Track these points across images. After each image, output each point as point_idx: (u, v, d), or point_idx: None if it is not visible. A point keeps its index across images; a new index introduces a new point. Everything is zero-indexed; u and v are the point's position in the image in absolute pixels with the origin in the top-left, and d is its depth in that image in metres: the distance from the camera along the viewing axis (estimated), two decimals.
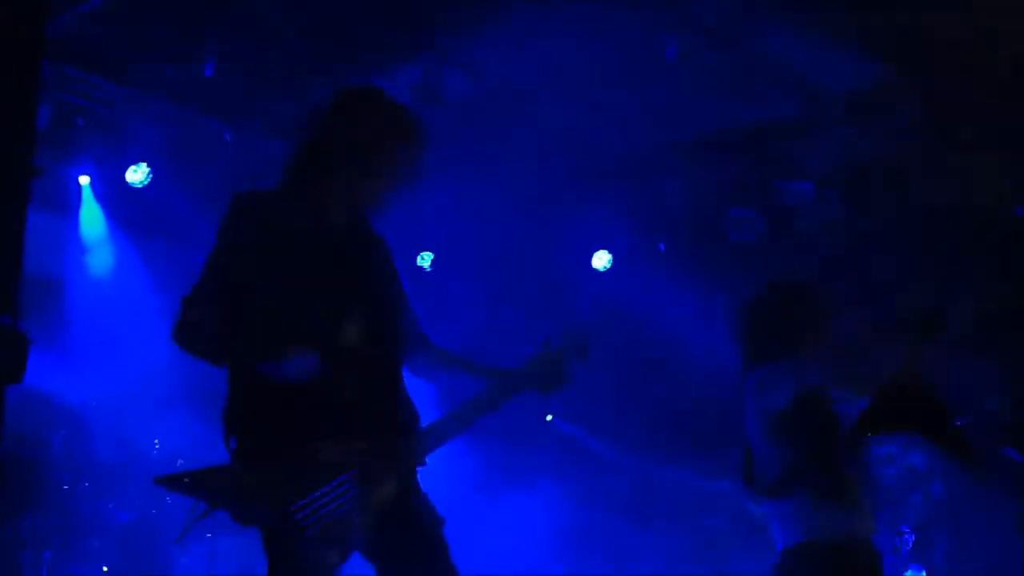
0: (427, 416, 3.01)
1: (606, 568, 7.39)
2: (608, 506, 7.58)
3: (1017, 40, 5.82)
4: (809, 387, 3.51)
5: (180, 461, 7.01)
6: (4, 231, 4.15)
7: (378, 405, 2.89)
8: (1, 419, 3.76)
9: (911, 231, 7.09)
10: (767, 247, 7.68)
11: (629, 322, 7.73)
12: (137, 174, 7.10)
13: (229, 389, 2.86)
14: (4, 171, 4.15)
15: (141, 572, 6.87)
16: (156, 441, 7.22)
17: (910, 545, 6.70)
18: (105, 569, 6.80)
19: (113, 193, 7.32)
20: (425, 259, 8.43)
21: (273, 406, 2.76)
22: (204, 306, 2.87)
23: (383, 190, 3.02)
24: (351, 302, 2.91)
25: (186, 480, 2.76)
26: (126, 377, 7.10)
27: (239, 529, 7.07)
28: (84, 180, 7.24)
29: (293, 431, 2.75)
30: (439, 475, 3.06)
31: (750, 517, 7.85)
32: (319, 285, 2.88)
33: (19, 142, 4.34)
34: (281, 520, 2.68)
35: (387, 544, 2.84)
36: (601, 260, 8.30)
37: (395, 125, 3.00)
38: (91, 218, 7.39)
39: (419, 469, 2.95)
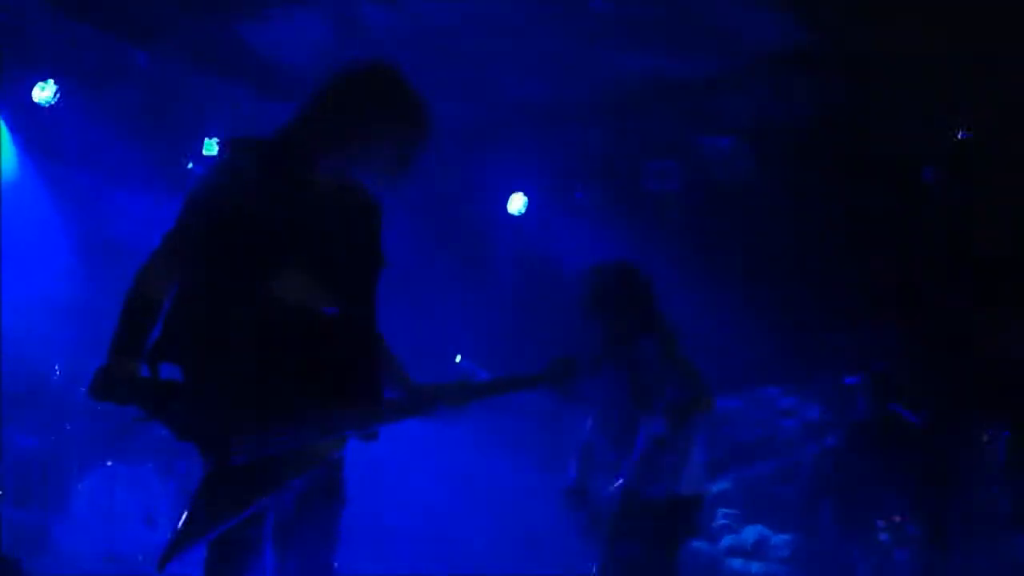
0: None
1: (510, 510, 7.47)
2: (516, 447, 7.64)
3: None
4: (661, 362, 4.00)
5: (81, 388, 6.93)
6: None
7: (330, 369, 2.92)
8: None
9: (823, 190, 7.24)
10: (684, 199, 7.78)
11: (542, 265, 7.78)
12: (45, 92, 6.88)
13: (182, 315, 2.88)
14: None
15: (41, 499, 6.78)
16: (57, 366, 7.09)
17: None
18: None
19: (17, 111, 7.08)
20: None
21: (233, 345, 2.83)
22: (165, 258, 2.90)
23: (376, 168, 3.04)
24: (309, 261, 2.92)
25: (132, 386, 2.81)
26: (27, 301, 6.94)
27: (137, 459, 7.00)
28: None
29: (247, 370, 2.81)
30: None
31: None
32: (281, 241, 2.90)
33: None
34: (216, 443, 2.74)
35: (297, 508, 2.92)
36: (516, 204, 8.31)
37: (404, 108, 3.03)
38: None
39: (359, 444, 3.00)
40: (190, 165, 7.67)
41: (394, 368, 3.14)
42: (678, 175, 7.87)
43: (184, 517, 2.74)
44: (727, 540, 7.54)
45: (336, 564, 3.01)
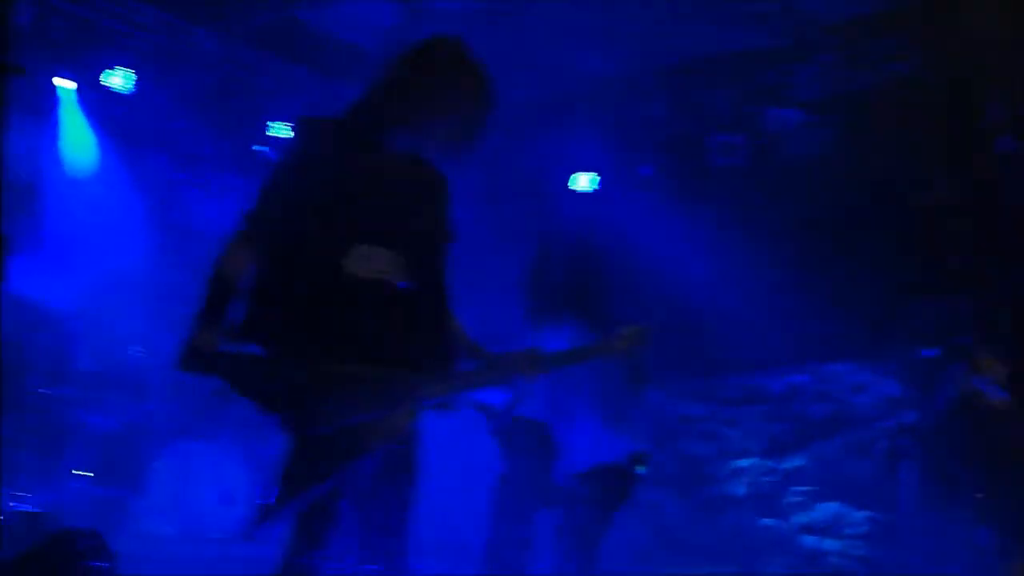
0: None
1: None
2: None
3: None
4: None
5: (158, 369, 7.07)
6: None
7: (404, 341, 2.97)
8: None
9: (894, 161, 7.10)
10: (752, 174, 7.69)
11: (610, 245, 7.74)
12: (118, 79, 7.02)
13: (261, 290, 2.96)
14: None
15: (118, 480, 6.93)
16: (137, 348, 7.24)
17: None
18: (80, 473, 6.86)
19: (94, 98, 7.23)
20: None
21: (310, 318, 2.89)
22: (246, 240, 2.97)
23: (442, 142, 3.07)
24: (381, 236, 2.97)
25: (218, 361, 2.91)
26: (107, 283, 7.10)
27: (215, 437, 7.13)
28: (63, 83, 7.14)
29: (324, 343, 2.88)
30: None
31: (728, 444, 8.01)
32: (353, 216, 2.95)
33: None
34: (295, 415, 2.81)
35: (374, 481, 2.97)
36: (582, 182, 8.28)
37: (468, 82, 3.06)
38: (72, 122, 7.30)
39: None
40: (256, 148, 7.77)
41: (465, 340, 3.17)
42: (745, 149, 7.78)
43: (267, 490, 2.79)
44: (800, 517, 7.48)
45: (411, 536, 3.06)
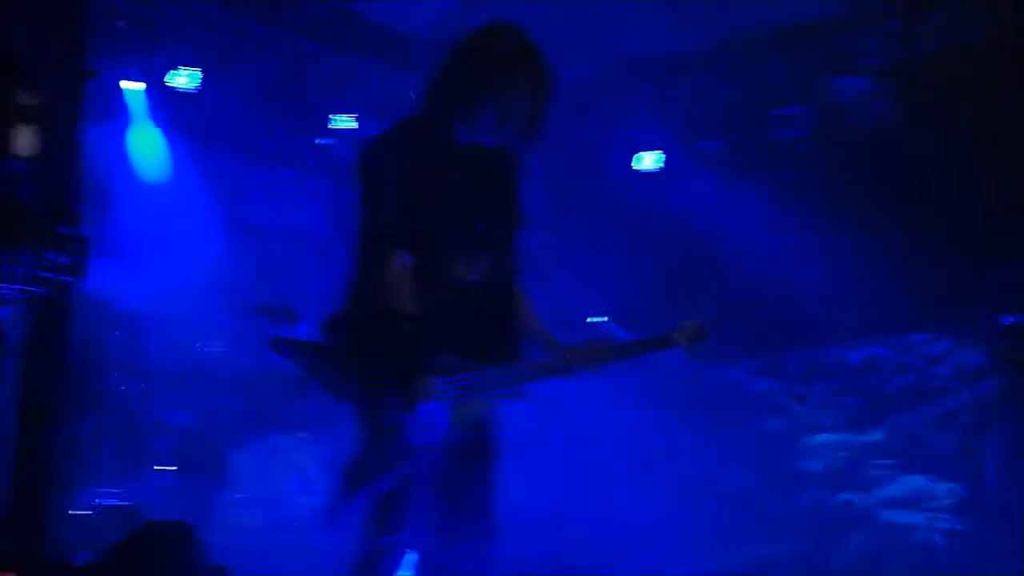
0: None
1: (659, 466, 7.47)
2: (660, 406, 7.63)
3: None
4: None
5: (234, 362, 7.19)
6: (63, 134, 4.21)
7: (475, 331, 3.01)
8: (71, 312, 3.88)
9: (966, 125, 6.95)
10: (817, 146, 7.58)
11: (675, 223, 7.70)
12: (183, 78, 7.11)
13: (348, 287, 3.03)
14: (58, 75, 4.20)
15: (199, 471, 7.06)
16: (211, 344, 7.36)
17: None
18: (162, 468, 6.99)
19: (160, 98, 7.33)
20: None
21: (386, 309, 2.93)
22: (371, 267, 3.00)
23: (505, 128, 3.05)
24: (458, 226, 3.02)
25: (297, 347, 3.04)
26: (179, 280, 7.21)
27: (291, 425, 7.22)
28: (130, 85, 7.25)
29: (398, 333, 2.91)
30: None
31: (802, 419, 7.93)
32: (429, 208, 2.99)
33: (70, 45, 4.38)
34: (372, 402, 2.85)
35: (455, 465, 2.99)
36: (646, 162, 8.24)
37: (529, 68, 3.03)
38: (140, 124, 7.42)
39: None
40: (319, 141, 7.82)
41: (538, 328, 3.19)
42: (810, 121, 7.68)
43: (341, 478, 2.83)
44: (882, 491, 7.38)
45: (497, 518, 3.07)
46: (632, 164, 8.21)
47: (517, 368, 3.05)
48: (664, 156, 8.13)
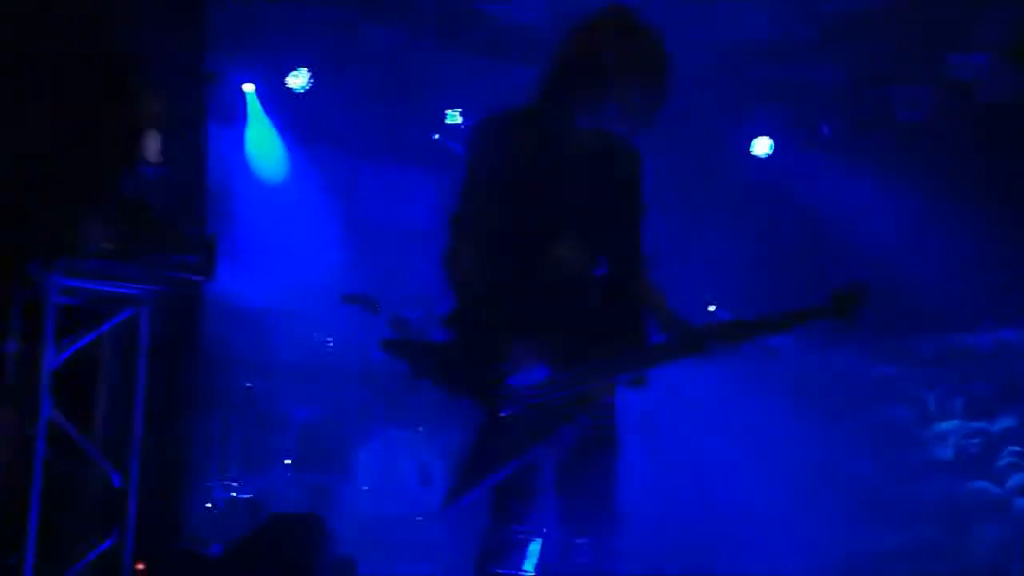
0: None
1: (782, 455, 7.36)
2: (771, 392, 7.51)
3: None
4: None
5: (353, 358, 7.30)
6: (187, 138, 4.32)
7: (597, 318, 2.99)
8: (200, 311, 3.98)
9: None
10: (939, 127, 7.35)
11: (792, 208, 7.57)
12: (298, 79, 7.24)
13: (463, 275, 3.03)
14: (181, 79, 4.31)
15: (321, 466, 7.20)
16: (330, 340, 7.49)
17: None
18: (287, 462, 7.15)
19: (276, 99, 7.49)
20: None
21: (504, 297, 2.95)
22: (460, 240, 3.03)
23: (626, 115, 3.03)
24: (580, 216, 3.00)
25: (407, 347, 3.07)
26: (299, 279, 7.36)
27: (410, 423, 7.29)
28: (248, 88, 7.41)
29: (518, 322, 2.91)
30: None
31: (930, 405, 7.72)
32: (552, 200, 3.00)
33: (192, 49, 4.49)
34: (482, 397, 2.86)
35: (575, 454, 2.97)
36: (762, 146, 8.11)
37: (642, 51, 3.02)
38: (258, 126, 7.58)
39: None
40: (436, 136, 7.88)
41: (662, 309, 3.14)
42: (928, 101, 7.46)
43: (460, 468, 2.84)
44: (1016, 479, 7.14)
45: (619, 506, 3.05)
46: (749, 149, 8.10)
47: (639, 353, 3.02)
48: (781, 140, 8.00)
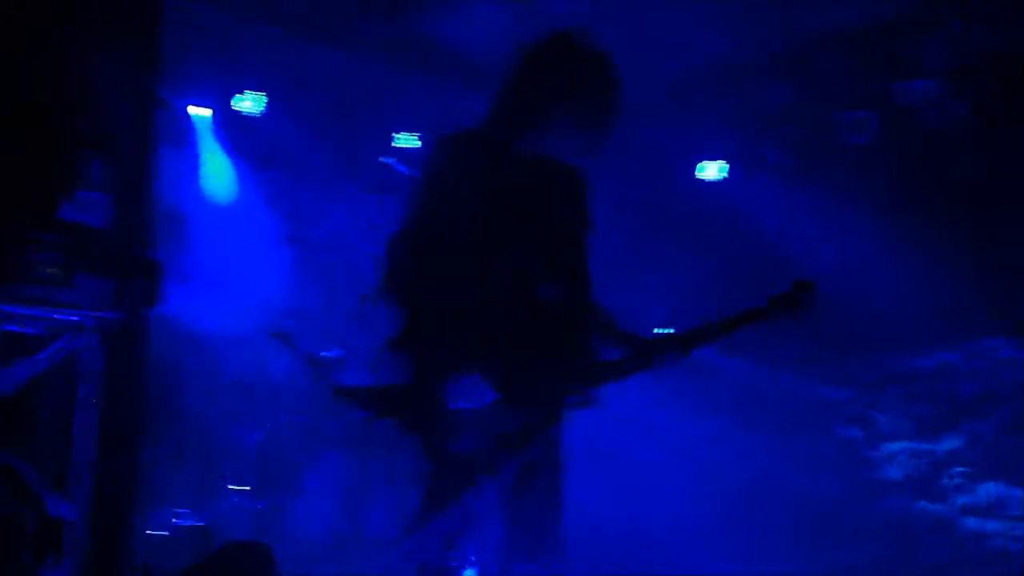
0: None
1: (729, 474, 7.41)
2: (717, 411, 7.57)
3: None
4: None
5: (304, 380, 7.25)
6: (137, 162, 4.30)
7: (546, 346, 2.99)
8: (145, 337, 3.95)
9: None
10: (883, 151, 7.47)
11: (738, 230, 7.64)
12: (247, 103, 7.22)
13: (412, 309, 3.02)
14: (134, 104, 4.29)
15: (273, 488, 7.14)
16: (275, 362, 7.44)
17: None
18: (237, 487, 7.08)
19: (227, 123, 7.45)
20: None
21: (438, 340, 2.93)
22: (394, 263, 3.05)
23: (573, 138, 3.06)
24: (525, 240, 3.01)
25: (357, 394, 3.09)
26: (249, 303, 7.31)
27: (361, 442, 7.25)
28: (197, 111, 7.37)
29: (456, 355, 2.91)
30: None
31: (877, 426, 7.81)
32: (496, 224, 3.00)
33: (143, 70, 4.47)
34: (436, 430, 2.87)
35: (519, 481, 2.97)
36: (710, 171, 8.18)
37: (588, 75, 3.05)
38: (208, 149, 7.54)
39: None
40: (383, 160, 7.89)
41: (610, 328, 3.15)
42: (875, 125, 7.58)
43: (417, 502, 2.83)
44: (961, 499, 7.25)
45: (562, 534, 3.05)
46: (696, 173, 8.16)
47: (590, 372, 3.03)
48: (728, 164, 8.07)
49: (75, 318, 4.03)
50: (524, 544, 2.99)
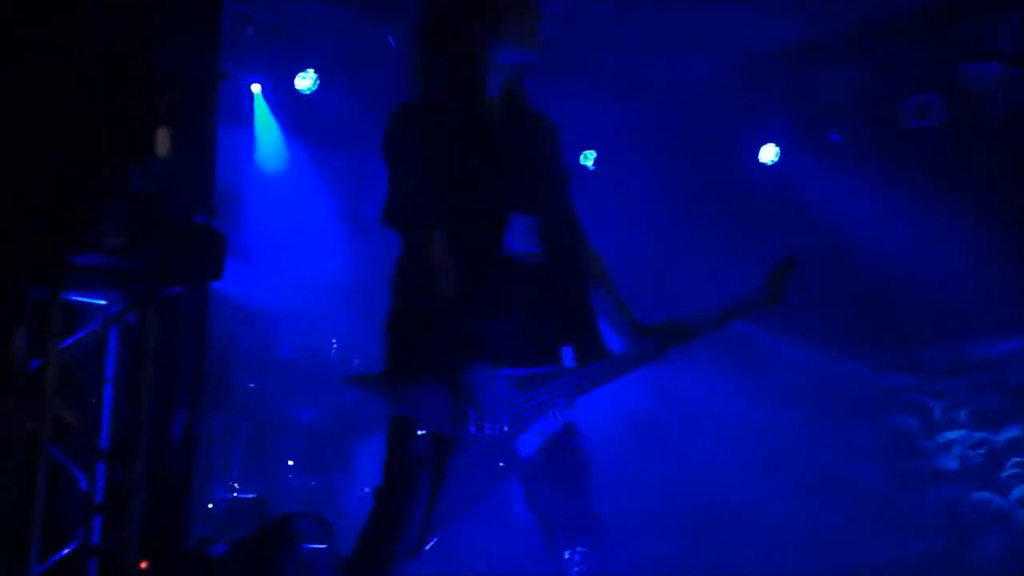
0: None
1: (788, 463, 7.35)
2: (784, 402, 7.50)
3: None
4: None
5: (356, 361, 7.28)
6: (199, 132, 4.32)
7: (539, 320, 2.90)
8: (205, 311, 3.97)
9: None
10: (950, 134, 7.33)
11: (801, 216, 7.55)
12: (306, 81, 7.24)
13: (398, 306, 2.93)
14: (194, 77, 4.31)
15: (324, 466, 7.18)
16: (334, 341, 7.46)
17: None
18: (291, 463, 7.12)
19: (285, 101, 7.48)
20: (588, 158, 8.40)
21: (444, 326, 2.81)
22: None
23: (510, 51, 2.96)
24: (509, 199, 2.91)
25: (370, 382, 3.01)
26: (304, 280, 7.34)
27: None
28: (256, 88, 7.41)
29: (466, 349, 2.78)
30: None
31: (936, 415, 7.70)
32: (479, 179, 2.89)
33: (206, 46, 4.49)
34: (452, 426, 2.76)
35: (541, 472, 2.88)
36: (768, 154, 8.10)
37: None
38: (265, 126, 7.58)
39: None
40: None
41: (616, 313, 3.05)
42: (941, 109, 7.44)
43: (437, 503, 2.76)
44: (1018, 491, 7.12)
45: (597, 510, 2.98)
46: (759, 157, 8.09)
47: (599, 366, 2.91)
48: (792, 148, 7.97)
49: (140, 288, 4.05)
50: (566, 529, 2.90)
